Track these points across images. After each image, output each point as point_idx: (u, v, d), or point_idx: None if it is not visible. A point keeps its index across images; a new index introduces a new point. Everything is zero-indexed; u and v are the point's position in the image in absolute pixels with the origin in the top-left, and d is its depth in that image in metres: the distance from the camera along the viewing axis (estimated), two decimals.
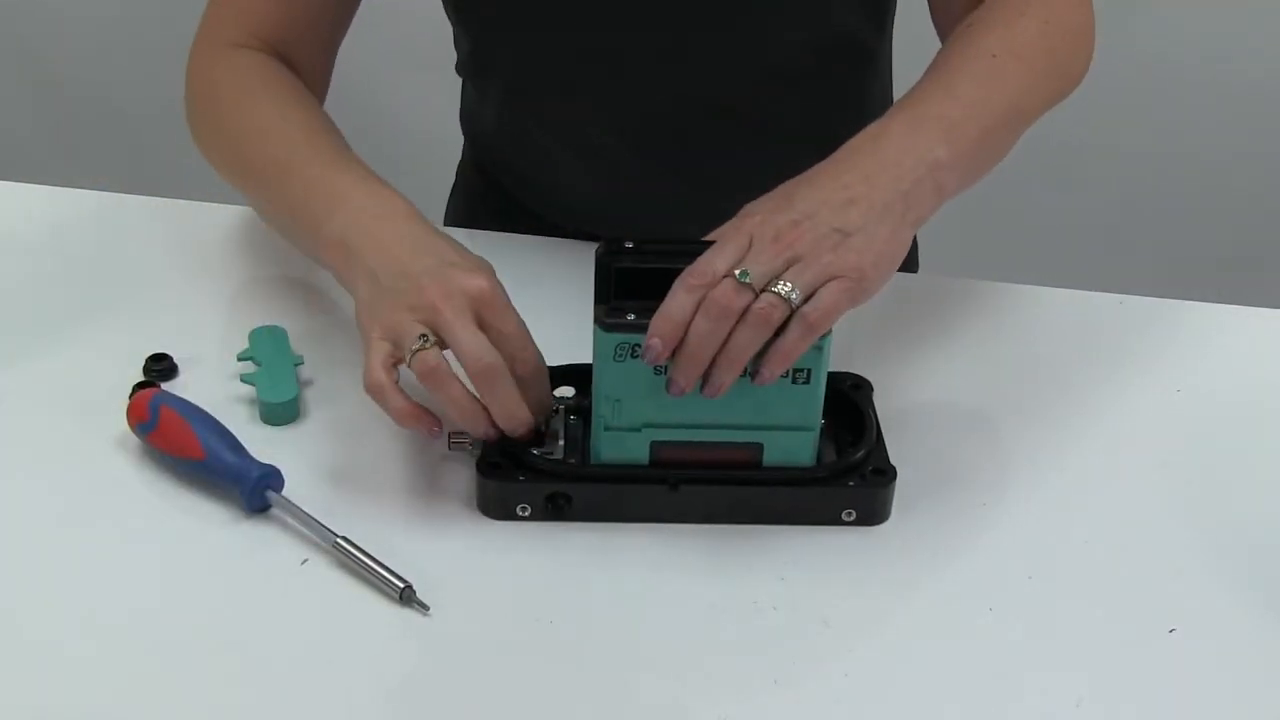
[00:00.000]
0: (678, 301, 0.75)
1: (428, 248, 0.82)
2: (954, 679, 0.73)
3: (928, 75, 0.88)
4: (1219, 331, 1.01)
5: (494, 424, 0.80)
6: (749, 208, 0.80)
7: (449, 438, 0.83)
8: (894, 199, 0.79)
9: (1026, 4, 0.92)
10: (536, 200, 1.14)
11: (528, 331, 0.81)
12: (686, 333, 0.75)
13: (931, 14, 1.02)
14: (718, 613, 0.76)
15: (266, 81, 0.96)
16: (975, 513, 0.83)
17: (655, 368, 0.77)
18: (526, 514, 0.81)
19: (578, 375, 0.85)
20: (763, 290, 0.75)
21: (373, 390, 0.79)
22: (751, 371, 0.76)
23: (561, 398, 0.86)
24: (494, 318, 0.79)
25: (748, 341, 0.75)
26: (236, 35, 0.98)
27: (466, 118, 1.17)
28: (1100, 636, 0.76)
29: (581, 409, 0.85)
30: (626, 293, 0.78)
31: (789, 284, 0.75)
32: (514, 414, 0.79)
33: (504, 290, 0.81)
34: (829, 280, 0.76)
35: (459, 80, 1.16)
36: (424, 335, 0.78)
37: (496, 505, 0.81)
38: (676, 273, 0.79)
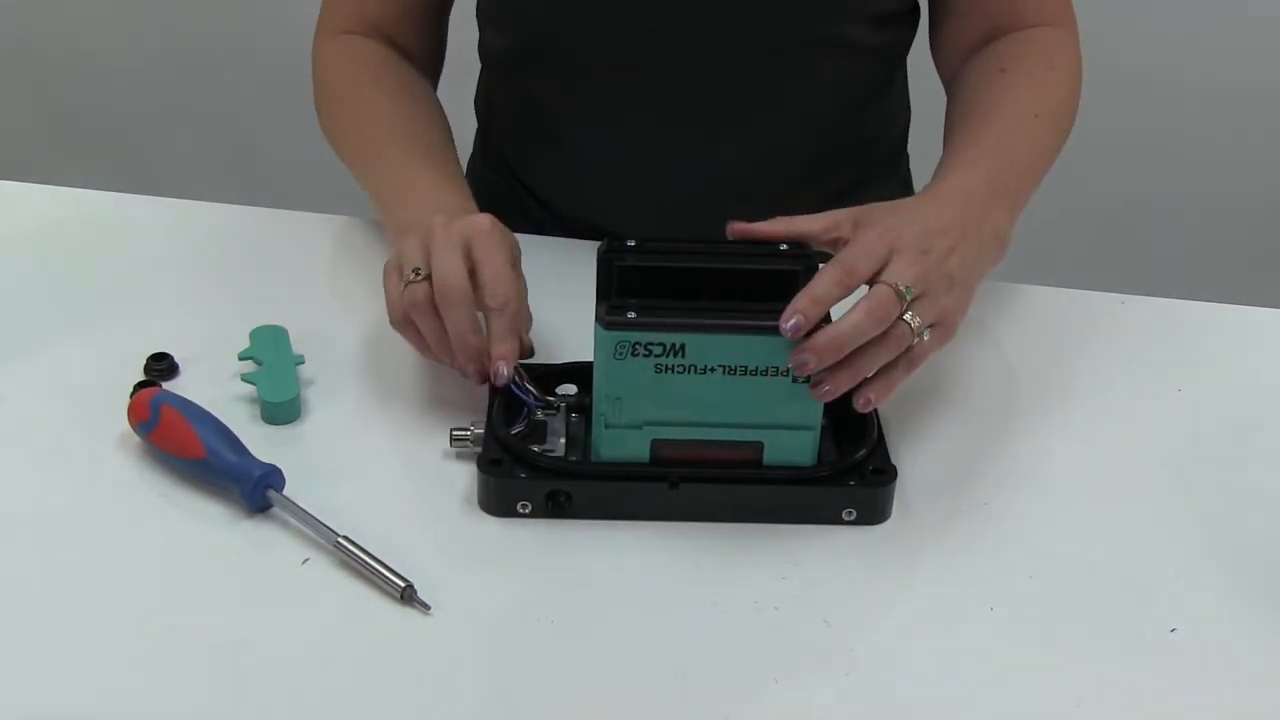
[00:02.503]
0: (825, 288, 0.76)
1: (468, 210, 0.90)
2: (954, 679, 0.73)
3: (983, 125, 0.92)
4: (1219, 331, 1.01)
5: (476, 365, 0.83)
6: (875, 216, 0.81)
7: (450, 434, 0.84)
8: (976, 261, 0.82)
9: (1052, 57, 0.97)
10: (546, 187, 1.13)
11: (510, 270, 0.84)
12: (836, 323, 0.75)
13: (932, 44, 1.04)
14: (718, 613, 0.76)
15: (372, 71, 1.04)
16: (975, 513, 0.83)
17: (656, 368, 0.77)
18: (527, 511, 0.81)
19: (580, 373, 0.85)
20: (901, 315, 0.77)
21: (397, 326, 0.85)
22: (815, 382, 0.77)
23: (563, 395, 0.86)
24: (479, 248, 0.84)
25: (878, 358, 0.77)
26: (346, 23, 1.06)
27: (483, 103, 1.17)
28: (1101, 636, 0.76)
29: (583, 406, 0.85)
30: (629, 290, 0.78)
31: (919, 319, 0.77)
32: (465, 338, 0.82)
33: (505, 234, 0.86)
34: (935, 324, 0.78)
35: (468, 74, 1.16)
36: (417, 269, 0.83)
37: (497, 502, 0.81)
38: (679, 271, 0.79)
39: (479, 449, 0.82)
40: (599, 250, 0.80)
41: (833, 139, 1.07)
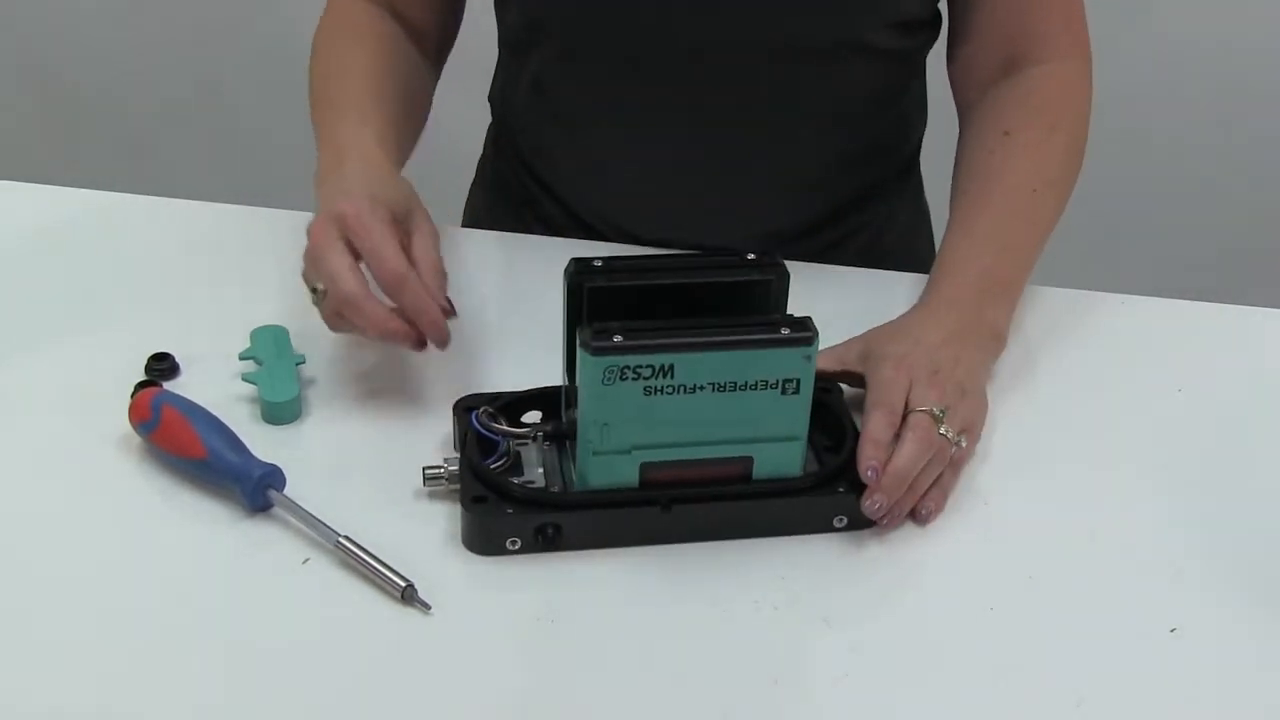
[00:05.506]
0: (880, 431, 0.81)
1: (343, 186, 0.88)
2: (954, 679, 0.73)
3: (979, 210, 0.96)
4: (1219, 331, 1.01)
5: (413, 337, 0.84)
6: (878, 348, 0.87)
7: (424, 473, 0.81)
8: (978, 364, 0.89)
9: (1058, 113, 1.00)
10: (560, 183, 1.13)
11: (387, 242, 0.84)
12: (894, 461, 0.80)
13: (950, 65, 1.04)
14: (718, 612, 0.76)
15: (354, 30, 1.05)
16: (975, 513, 0.84)
17: (645, 390, 0.76)
18: (516, 547, 0.79)
19: (545, 399, 0.84)
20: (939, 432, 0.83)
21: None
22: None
23: (532, 424, 0.84)
24: (356, 236, 0.85)
25: (930, 475, 0.82)
26: None
27: (498, 97, 1.17)
28: (1100, 636, 0.76)
29: (559, 434, 0.83)
30: (601, 312, 0.77)
31: (952, 430, 0.83)
32: (385, 328, 0.83)
33: (372, 207, 0.85)
34: (963, 430, 0.84)
35: (481, 71, 1.16)
36: (314, 289, 0.85)
37: (484, 541, 0.79)
38: (649, 289, 0.79)
39: (455, 486, 0.80)
40: (566, 271, 0.78)
41: (849, 142, 1.07)
